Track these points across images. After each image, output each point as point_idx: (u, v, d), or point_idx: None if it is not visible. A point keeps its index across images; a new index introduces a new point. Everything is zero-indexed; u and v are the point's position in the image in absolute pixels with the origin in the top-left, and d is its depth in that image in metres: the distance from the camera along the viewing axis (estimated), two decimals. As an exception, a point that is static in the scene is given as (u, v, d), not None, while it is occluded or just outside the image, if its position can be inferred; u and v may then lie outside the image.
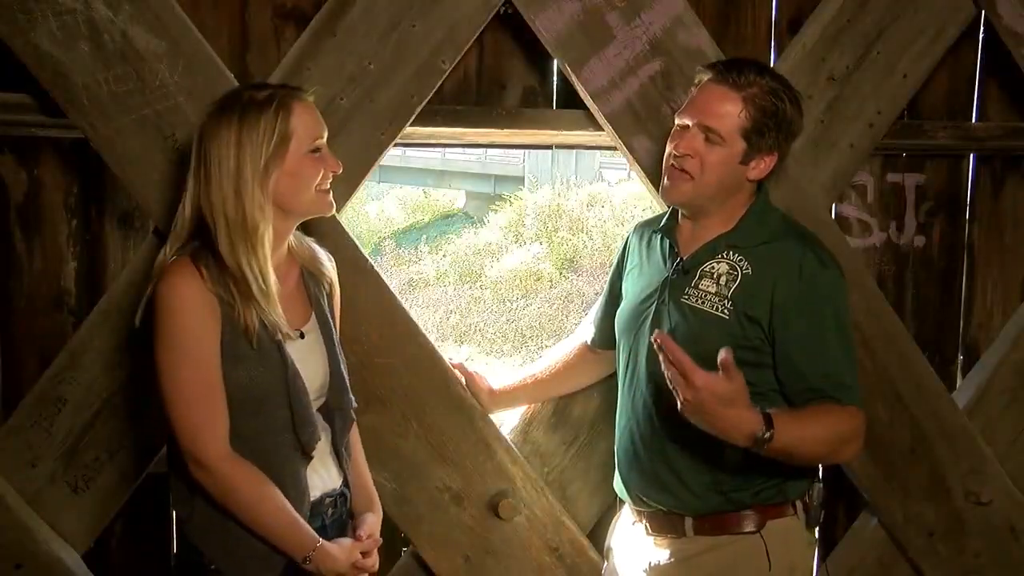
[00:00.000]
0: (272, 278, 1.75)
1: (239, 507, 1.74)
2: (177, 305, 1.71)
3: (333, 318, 1.95)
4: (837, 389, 1.86)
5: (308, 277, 1.91)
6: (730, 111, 1.87)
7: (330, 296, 1.96)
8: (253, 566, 1.78)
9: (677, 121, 1.95)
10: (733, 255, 1.92)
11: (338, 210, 2.19)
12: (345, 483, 1.93)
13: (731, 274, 1.91)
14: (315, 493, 1.85)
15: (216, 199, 1.72)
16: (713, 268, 1.93)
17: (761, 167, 1.92)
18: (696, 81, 1.95)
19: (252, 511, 1.74)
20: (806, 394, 1.87)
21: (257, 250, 1.73)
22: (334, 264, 1.99)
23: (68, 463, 2.21)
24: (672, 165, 1.94)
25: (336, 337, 1.93)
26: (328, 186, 1.83)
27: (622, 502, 2.13)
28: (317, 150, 1.79)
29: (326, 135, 1.83)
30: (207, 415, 1.72)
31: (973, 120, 2.67)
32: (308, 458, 1.82)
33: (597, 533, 2.45)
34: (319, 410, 1.87)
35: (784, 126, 1.91)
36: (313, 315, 1.89)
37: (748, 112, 1.87)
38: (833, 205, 2.59)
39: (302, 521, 1.77)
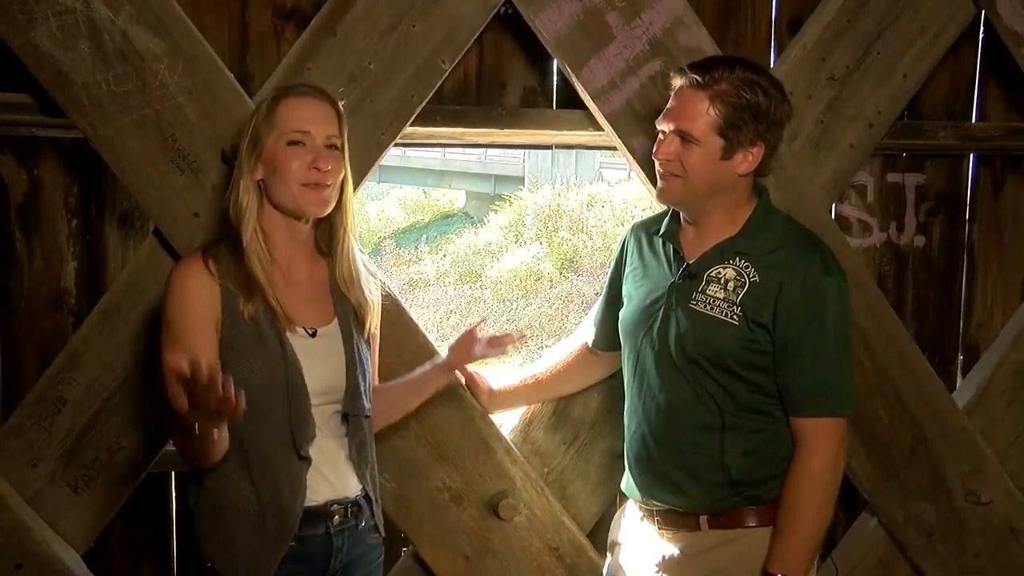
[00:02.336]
0: (257, 263, 1.78)
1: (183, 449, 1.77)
2: (174, 295, 1.77)
3: (360, 331, 1.91)
4: (827, 396, 1.90)
5: (336, 292, 1.91)
6: (699, 111, 1.88)
7: (358, 316, 1.92)
8: (246, 566, 1.78)
9: (657, 127, 1.97)
10: (740, 262, 1.93)
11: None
12: (365, 494, 1.90)
13: (738, 280, 1.92)
14: (318, 498, 1.83)
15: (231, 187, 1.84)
16: (720, 273, 1.93)
17: (749, 159, 1.92)
18: (673, 86, 1.96)
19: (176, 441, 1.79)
20: (798, 398, 1.91)
21: (241, 233, 1.80)
22: (378, 289, 1.98)
23: (68, 463, 2.21)
24: (658, 171, 1.97)
25: (360, 346, 1.90)
26: (316, 182, 1.79)
27: (624, 497, 2.13)
28: (296, 143, 1.79)
29: (324, 131, 1.81)
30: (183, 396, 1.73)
31: (973, 120, 2.67)
32: (304, 458, 1.80)
33: (597, 533, 2.45)
34: (340, 417, 1.86)
35: (762, 116, 1.89)
36: (336, 321, 1.88)
37: (717, 109, 1.87)
38: (833, 205, 2.59)
39: None
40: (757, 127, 1.89)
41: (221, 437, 1.68)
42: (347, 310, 1.90)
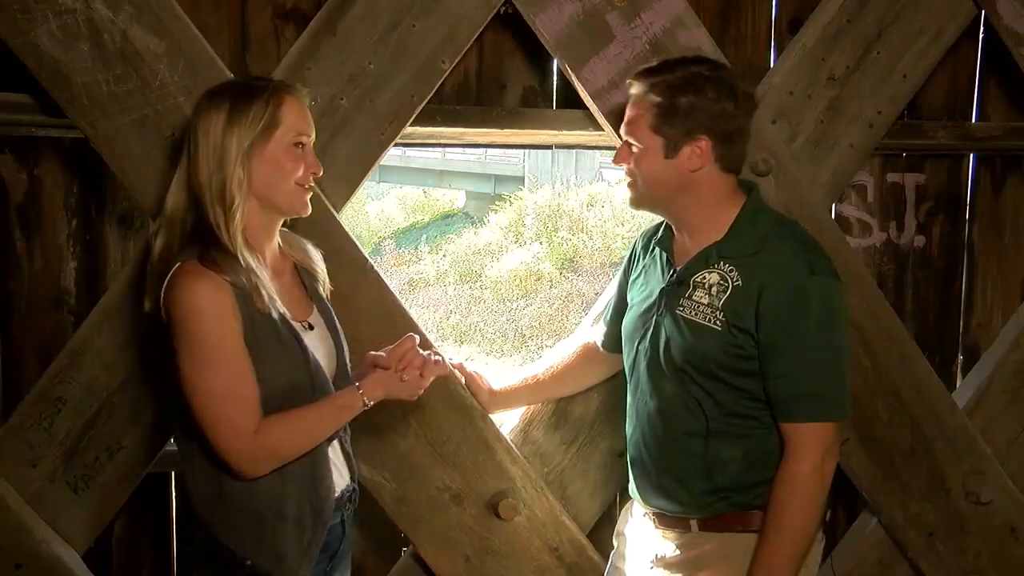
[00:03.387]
0: (250, 255, 1.75)
1: (291, 452, 1.75)
2: (193, 310, 1.69)
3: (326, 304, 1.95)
4: (813, 401, 1.87)
5: (304, 273, 1.93)
6: (639, 114, 1.90)
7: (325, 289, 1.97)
8: (291, 557, 1.78)
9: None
10: (724, 265, 1.90)
11: (338, 210, 2.20)
12: (353, 478, 1.93)
13: (721, 284, 1.89)
14: (337, 489, 1.86)
15: (202, 174, 1.75)
16: (705, 278, 1.91)
17: (697, 154, 1.88)
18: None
19: (298, 441, 1.75)
20: (783, 403, 1.88)
21: (230, 224, 1.74)
22: (321, 256, 1.99)
23: (68, 463, 2.21)
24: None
25: (339, 327, 1.94)
26: (308, 185, 1.82)
27: (628, 498, 2.14)
28: (300, 144, 1.80)
29: (313, 136, 1.83)
30: (237, 413, 1.70)
31: (973, 120, 2.67)
32: (326, 448, 1.83)
33: (597, 533, 2.45)
34: None
35: (699, 108, 1.86)
36: (315, 308, 1.90)
37: (653, 109, 1.88)
38: (833, 205, 2.59)
39: (328, 398, 1.79)
40: (697, 120, 1.87)
41: None
42: (317, 292, 1.92)
